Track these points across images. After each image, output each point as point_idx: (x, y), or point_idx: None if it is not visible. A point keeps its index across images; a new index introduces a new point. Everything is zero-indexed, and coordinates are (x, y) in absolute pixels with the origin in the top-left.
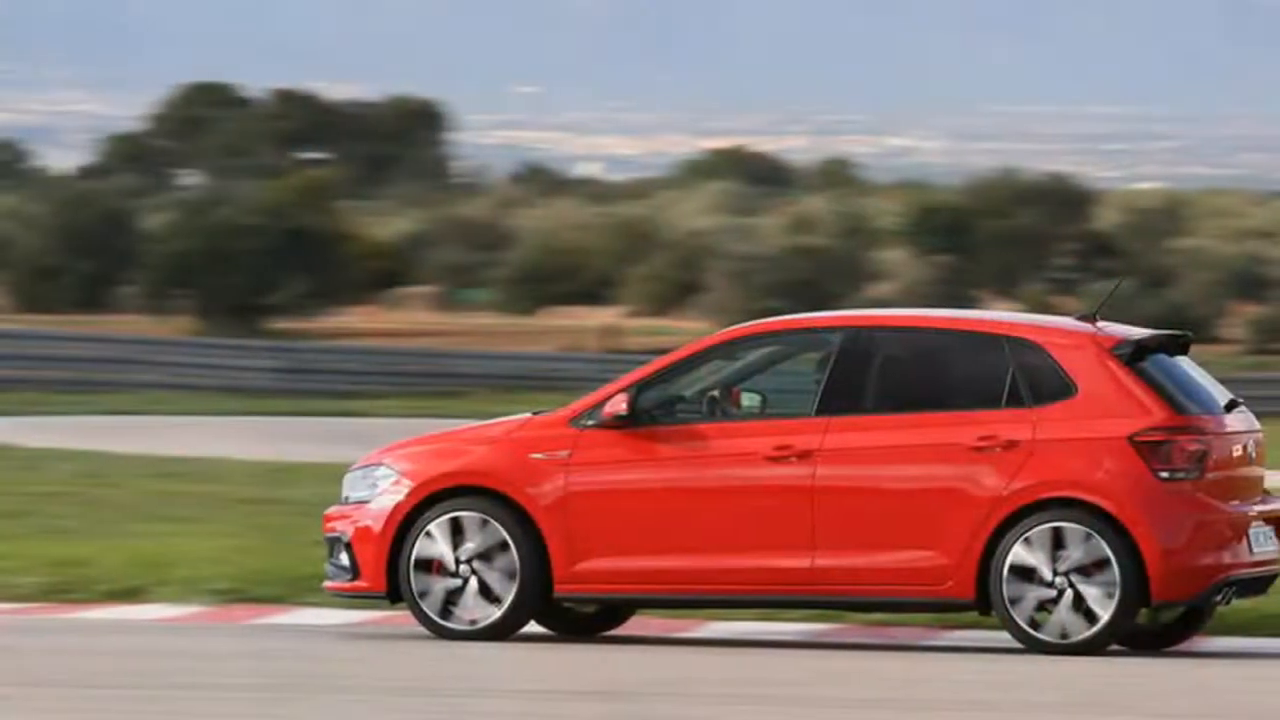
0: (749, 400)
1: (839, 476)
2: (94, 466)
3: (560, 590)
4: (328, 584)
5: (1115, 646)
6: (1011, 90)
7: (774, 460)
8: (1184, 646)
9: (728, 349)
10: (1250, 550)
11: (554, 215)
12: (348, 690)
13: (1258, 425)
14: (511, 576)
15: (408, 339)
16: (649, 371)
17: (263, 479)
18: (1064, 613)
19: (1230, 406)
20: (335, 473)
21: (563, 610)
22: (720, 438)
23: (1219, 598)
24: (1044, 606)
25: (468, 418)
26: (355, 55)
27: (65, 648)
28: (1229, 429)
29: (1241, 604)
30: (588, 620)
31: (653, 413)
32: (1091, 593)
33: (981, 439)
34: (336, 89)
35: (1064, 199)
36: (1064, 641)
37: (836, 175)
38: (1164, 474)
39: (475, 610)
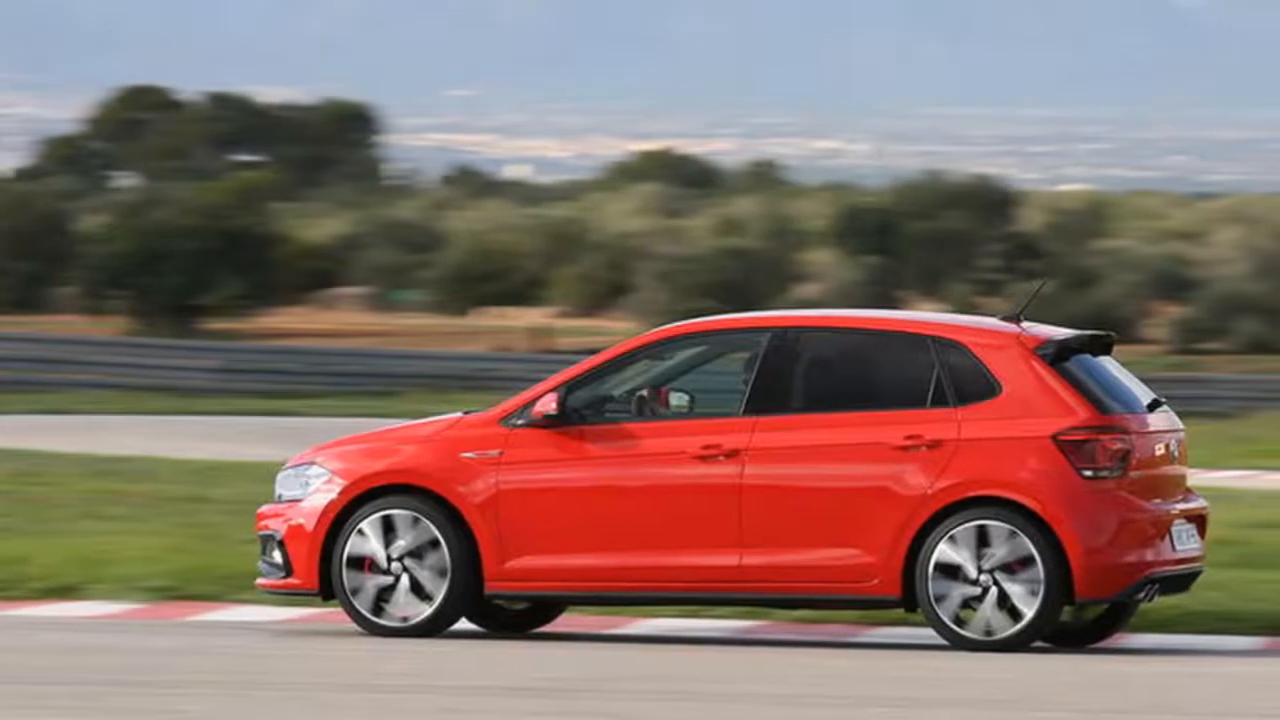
0: (677, 400)
1: (766, 475)
2: (31, 465)
3: (491, 588)
4: (261, 581)
5: (1039, 643)
6: (939, 94)
7: (702, 459)
8: (1107, 643)
9: (656, 349)
10: (1173, 548)
11: (484, 217)
12: (284, 686)
13: (1180, 424)
14: (443, 574)
15: (342, 339)
16: (579, 371)
17: (198, 478)
18: (989, 610)
19: (1153, 406)
20: (269, 471)
21: (494, 607)
22: (649, 437)
23: (1142, 595)
24: (969, 604)
25: (401, 417)
26: (289, 59)
27: (4, 645)
28: (1152, 428)
29: (1164, 601)
30: (518, 617)
31: (582, 412)
32: (1016, 590)
33: (907, 438)
34: (270, 92)
35: (989, 201)
36: (989, 638)
37: (764, 177)
38: (1087, 473)
39: (407, 607)
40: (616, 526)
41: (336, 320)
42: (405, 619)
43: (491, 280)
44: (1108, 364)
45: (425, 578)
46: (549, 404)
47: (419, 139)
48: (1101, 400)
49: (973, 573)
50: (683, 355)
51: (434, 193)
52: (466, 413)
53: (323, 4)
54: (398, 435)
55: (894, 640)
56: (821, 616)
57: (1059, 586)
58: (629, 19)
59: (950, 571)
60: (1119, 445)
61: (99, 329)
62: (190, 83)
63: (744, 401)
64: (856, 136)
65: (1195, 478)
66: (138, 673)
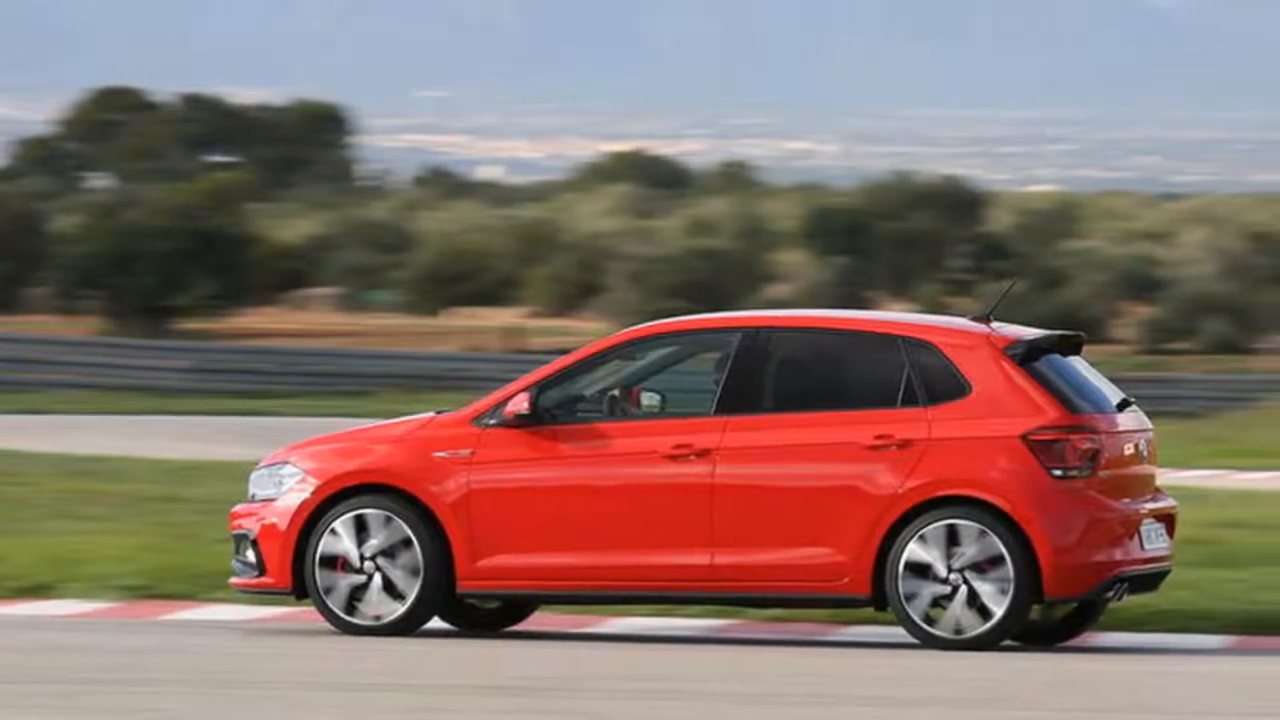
0: (649, 399)
1: (737, 475)
2: (5, 465)
3: (463, 586)
4: (234, 580)
5: (1009, 642)
6: (910, 95)
7: (673, 459)
8: (1076, 642)
9: (628, 349)
10: (1142, 547)
11: (456, 218)
12: (258, 685)
13: (1149, 424)
14: (415, 573)
15: (314, 339)
16: (550, 371)
17: (172, 477)
18: (958, 609)
19: (1122, 406)
20: (242, 471)
21: (466, 606)
22: (621, 436)
23: (1111, 594)
24: (939, 603)
25: (374, 417)
26: (263, 60)
27: None
28: (1121, 428)
29: (1134, 600)
30: (490, 616)
31: (554, 412)
32: (986, 589)
33: (877, 438)
34: (244, 93)
35: (958, 201)
36: (958, 637)
37: (735, 178)
38: (1057, 472)
39: (380, 606)
40: (588, 526)
41: (309, 320)
42: (378, 618)
43: (463, 280)
44: (1077, 364)
45: (398, 577)
46: (521, 404)
47: (391, 140)
48: (1071, 400)
49: (943, 572)
50: (654, 355)
51: (406, 193)
52: (438, 412)
53: (296, 5)
54: (370, 435)
55: (865, 639)
56: (793, 615)
57: (1028, 585)
58: (603, 20)
59: (920, 570)
60: (1088, 445)
61: (73, 329)
62: (164, 84)
63: (715, 401)
64: (827, 137)
65: (1164, 477)
66: (112, 671)
